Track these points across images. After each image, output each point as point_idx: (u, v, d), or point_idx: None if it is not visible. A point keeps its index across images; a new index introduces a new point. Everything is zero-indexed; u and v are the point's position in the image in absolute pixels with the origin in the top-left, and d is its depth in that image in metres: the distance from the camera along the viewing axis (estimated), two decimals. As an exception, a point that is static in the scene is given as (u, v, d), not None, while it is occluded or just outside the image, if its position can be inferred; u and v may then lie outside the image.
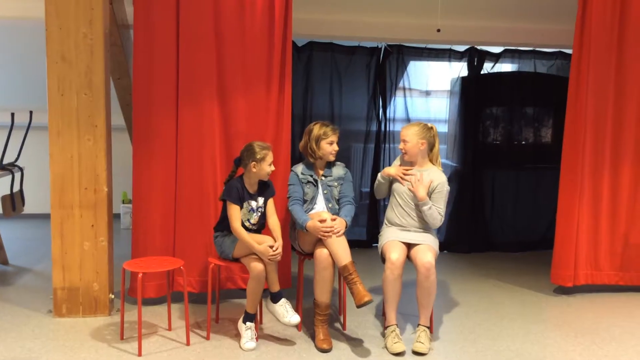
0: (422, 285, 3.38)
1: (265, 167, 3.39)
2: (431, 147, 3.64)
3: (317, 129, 3.61)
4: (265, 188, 3.52)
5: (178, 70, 3.82)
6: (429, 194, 3.52)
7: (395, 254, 3.38)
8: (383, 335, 3.51)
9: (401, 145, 3.62)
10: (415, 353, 3.32)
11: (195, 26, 3.79)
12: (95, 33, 3.59)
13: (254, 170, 3.39)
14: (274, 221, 3.51)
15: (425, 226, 3.58)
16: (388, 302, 3.44)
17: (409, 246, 3.52)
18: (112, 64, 4.27)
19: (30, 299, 4.06)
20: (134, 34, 3.79)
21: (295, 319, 3.36)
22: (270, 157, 3.40)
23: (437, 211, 3.50)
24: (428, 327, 3.46)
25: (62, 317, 3.73)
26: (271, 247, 3.30)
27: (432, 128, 3.62)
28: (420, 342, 3.35)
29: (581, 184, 4.29)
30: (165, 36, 3.78)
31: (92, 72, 3.61)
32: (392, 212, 3.65)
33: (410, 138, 3.56)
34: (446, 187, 3.57)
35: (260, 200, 3.50)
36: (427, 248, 3.45)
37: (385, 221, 3.73)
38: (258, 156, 3.36)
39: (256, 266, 3.31)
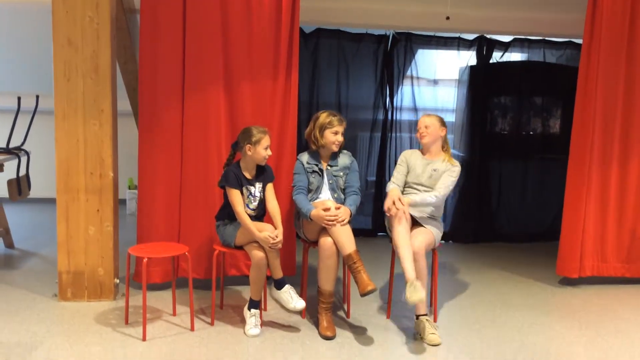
0: None
1: (261, 150, 3.36)
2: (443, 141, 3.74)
3: (323, 117, 3.59)
4: (263, 173, 3.49)
5: (184, 57, 3.80)
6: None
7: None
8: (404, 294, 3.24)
9: (422, 130, 3.66)
10: (433, 346, 3.27)
11: (202, 12, 3.76)
12: (102, 17, 3.57)
13: (249, 153, 3.36)
14: (273, 206, 3.49)
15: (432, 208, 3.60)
16: (403, 257, 3.29)
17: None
18: (118, 48, 4.26)
19: (36, 283, 4.08)
20: (140, 19, 3.76)
21: (301, 304, 3.35)
22: (266, 141, 3.37)
23: (427, 195, 3.53)
24: (426, 315, 3.40)
25: (67, 301, 3.75)
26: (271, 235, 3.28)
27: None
28: (432, 333, 3.31)
29: (589, 175, 4.25)
30: (172, 21, 3.75)
31: (98, 56, 3.60)
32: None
33: (433, 123, 3.65)
34: (456, 173, 3.61)
35: (258, 185, 3.47)
36: (421, 233, 3.45)
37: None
38: (254, 139, 3.34)
39: (257, 254, 3.30)
